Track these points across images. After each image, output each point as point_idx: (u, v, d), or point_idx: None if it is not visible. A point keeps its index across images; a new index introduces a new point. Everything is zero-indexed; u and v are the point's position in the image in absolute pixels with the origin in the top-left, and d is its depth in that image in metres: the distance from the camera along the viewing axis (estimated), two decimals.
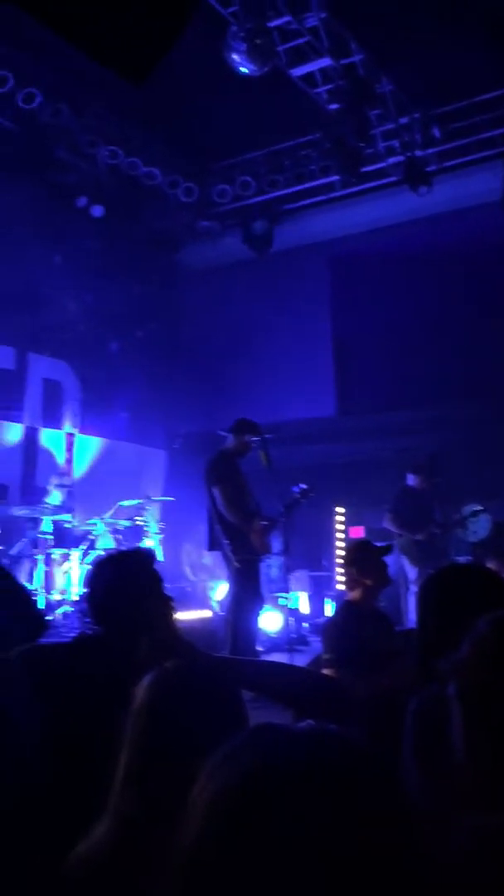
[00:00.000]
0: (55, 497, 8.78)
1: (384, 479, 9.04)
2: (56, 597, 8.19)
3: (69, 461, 8.72)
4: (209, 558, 9.66)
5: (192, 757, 0.93)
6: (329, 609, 9.31)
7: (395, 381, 10.45)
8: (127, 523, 8.96)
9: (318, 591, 9.96)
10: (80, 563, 8.25)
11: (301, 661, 6.44)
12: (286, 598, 8.33)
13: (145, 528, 9.08)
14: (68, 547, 8.27)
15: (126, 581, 2.71)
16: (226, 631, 6.62)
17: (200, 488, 7.01)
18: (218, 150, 10.27)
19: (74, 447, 8.88)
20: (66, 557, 8.26)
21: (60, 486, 8.77)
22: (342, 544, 10.10)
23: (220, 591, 9.26)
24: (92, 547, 8.49)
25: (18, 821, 1.37)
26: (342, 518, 10.27)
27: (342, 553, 8.73)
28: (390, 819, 0.80)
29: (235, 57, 7.11)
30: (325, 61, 8.01)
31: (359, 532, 9.73)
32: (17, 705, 1.44)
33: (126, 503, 9.29)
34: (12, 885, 1.31)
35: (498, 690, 1.17)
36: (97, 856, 1.42)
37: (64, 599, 8.14)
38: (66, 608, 8.02)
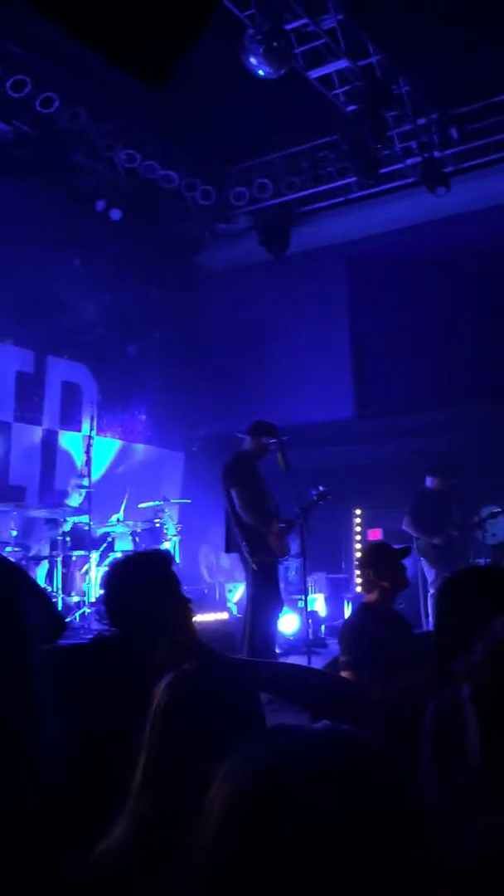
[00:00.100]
0: (74, 499, 8.82)
1: (402, 481, 9.02)
2: (74, 598, 8.22)
3: (87, 463, 8.75)
4: (227, 560, 9.67)
5: (210, 759, 0.93)
6: (347, 611, 9.30)
7: (413, 382, 10.42)
8: (145, 525, 8.98)
9: (336, 594, 9.94)
10: (99, 565, 8.27)
11: (319, 663, 6.43)
12: (304, 601, 8.32)
13: (164, 530, 9.10)
14: (86, 549, 8.30)
15: (143, 583, 2.71)
16: (243, 633, 6.62)
17: (218, 490, 7.02)
18: (235, 152, 10.28)
19: (92, 449, 8.91)
20: (84, 559, 8.29)
21: (79, 487, 8.81)
22: (360, 546, 10.07)
23: (238, 593, 9.27)
24: (110, 549, 8.52)
25: (39, 821, 1.38)
26: (360, 520, 10.24)
27: (360, 555, 8.72)
28: (404, 820, 0.80)
29: (252, 60, 7.12)
30: (342, 63, 8.00)
31: (376, 534, 9.70)
32: (42, 706, 1.45)
33: (144, 505, 9.32)
34: (31, 885, 1.32)
35: None
36: (115, 857, 1.43)
37: (82, 601, 8.16)
38: (85, 610, 8.05)
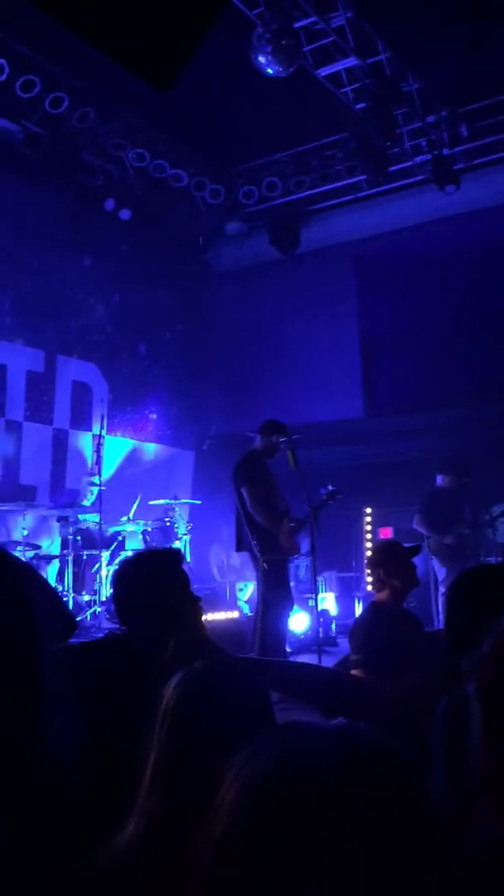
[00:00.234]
0: (88, 498, 8.83)
1: (412, 480, 9.00)
2: (85, 597, 8.24)
3: (98, 463, 8.77)
4: (237, 559, 9.67)
5: (220, 757, 0.93)
6: (358, 610, 9.29)
7: (423, 381, 10.40)
8: (156, 524, 9.00)
9: (347, 592, 9.93)
10: (109, 564, 8.29)
11: (329, 662, 6.44)
12: (314, 599, 8.32)
13: (175, 529, 9.11)
14: (97, 548, 8.32)
15: (152, 581, 2.72)
16: (254, 632, 6.62)
17: (229, 489, 7.02)
18: (244, 151, 10.28)
19: (103, 449, 8.93)
20: (95, 558, 8.31)
21: (90, 486, 8.84)
22: (370, 545, 10.06)
23: (249, 592, 9.27)
24: (121, 548, 8.53)
25: (50, 820, 1.38)
26: (370, 519, 10.23)
27: (370, 554, 8.71)
28: (416, 819, 0.80)
29: (261, 58, 7.11)
30: (351, 61, 7.99)
31: (387, 533, 9.69)
32: (55, 704, 1.46)
33: (154, 502, 9.34)
34: (43, 884, 1.32)
35: None
36: (125, 854, 1.43)
37: (93, 600, 8.19)
38: (96, 609, 8.07)
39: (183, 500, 9.81)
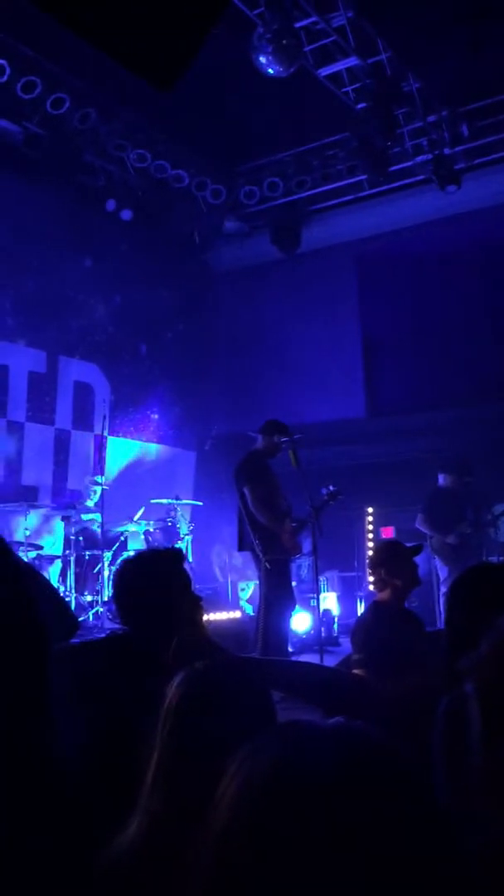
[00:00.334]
0: (92, 498, 8.84)
1: (414, 479, 9.00)
2: (87, 598, 8.25)
3: (100, 463, 8.78)
4: (239, 559, 9.67)
5: (222, 757, 0.93)
6: (360, 609, 9.29)
7: (424, 381, 10.40)
8: (158, 525, 9.00)
9: (349, 592, 9.93)
10: (111, 565, 8.30)
11: (331, 661, 6.43)
12: (316, 599, 8.33)
13: (177, 529, 9.12)
14: (99, 548, 8.32)
15: (153, 580, 2.72)
16: (256, 632, 6.62)
17: (230, 489, 7.03)
18: (245, 151, 10.28)
19: (105, 449, 8.94)
20: (97, 559, 8.32)
21: (93, 486, 8.84)
22: (372, 545, 10.06)
23: (250, 591, 9.28)
24: (123, 548, 8.54)
25: (53, 818, 1.39)
26: (372, 519, 10.23)
27: (371, 554, 8.72)
28: (415, 818, 0.80)
29: (262, 58, 7.12)
30: (352, 60, 7.99)
31: (389, 533, 9.69)
32: (56, 706, 1.46)
33: (156, 501, 9.34)
34: (45, 882, 1.33)
35: None
36: (128, 853, 1.44)
37: (95, 600, 8.19)
38: (98, 609, 8.08)
39: (184, 501, 9.81)
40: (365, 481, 9.52)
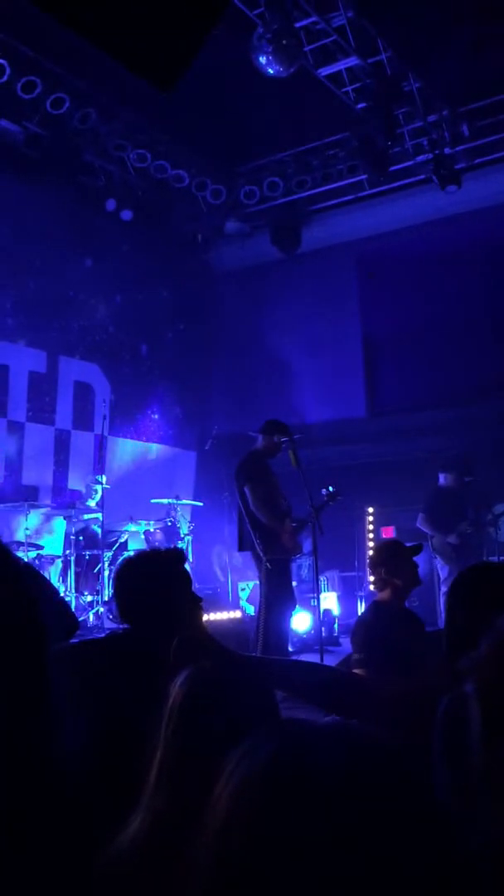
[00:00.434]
0: (93, 498, 8.84)
1: (414, 479, 9.00)
2: (87, 598, 8.25)
3: (100, 463, 8.79)
4: (239, 559, 9.67)
5: (226, 756, 0.93)
6: (360, 609, 9.29)
7: (425, 381, 10.40)
8: (158, 524, 9.00)
9: (350, 592, 9.94)
10: (111, 565, 8.30)
11: (331, 661, 6.44)
12: (316, 599, 8.33)
13: (177, 528, 9.12)
14: (99, 548, 8.33)
15: (155, 580, 2.72)
16: (257, 631, 6.62)
17: (231, 489, 7.03)
18: (245, 151, 10.28)
19: (105, 449, 8.94)
20: (97, 558, 8.32)
21: (93, 486, 8.85)
22: (373, 544, 10.07)
23: (251, 591, 9.27)
24: (123, 548, 8.54)
25: (54, 817, 1.39)
26: (372, 518, 10.23)
27: (371, 553, 8.73)
28: (411, 815, 0.80)
29: (262, 58, 7.12)
30: (352, 60, 8.00)
31: (389, 532, 9.69)
32: (57, 706, 1.46)
33: (156, 501, 9.34)
34: (46, 881, 1.33)
35: None
36: (130, 851, 1.44)
37: (95, 600, 8.19)
38: (98, 609, 8.08)
39: (185, 501, 9.82)
40: (365, 481, 9.52)
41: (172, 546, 8.47)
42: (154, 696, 1.61)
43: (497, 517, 8.86)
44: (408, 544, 4.58)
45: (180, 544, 8.95)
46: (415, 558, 4.44)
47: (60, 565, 8.34)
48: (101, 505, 8.52)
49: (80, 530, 8.47)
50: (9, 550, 1.58)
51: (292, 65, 7.23)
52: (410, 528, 8.66)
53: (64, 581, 8.18)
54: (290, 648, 7.09)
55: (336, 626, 8.98)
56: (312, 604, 8.16)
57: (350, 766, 0.81)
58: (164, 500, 9.32)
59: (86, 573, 8.36)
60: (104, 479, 8.74)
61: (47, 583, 3.80)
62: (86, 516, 8.57)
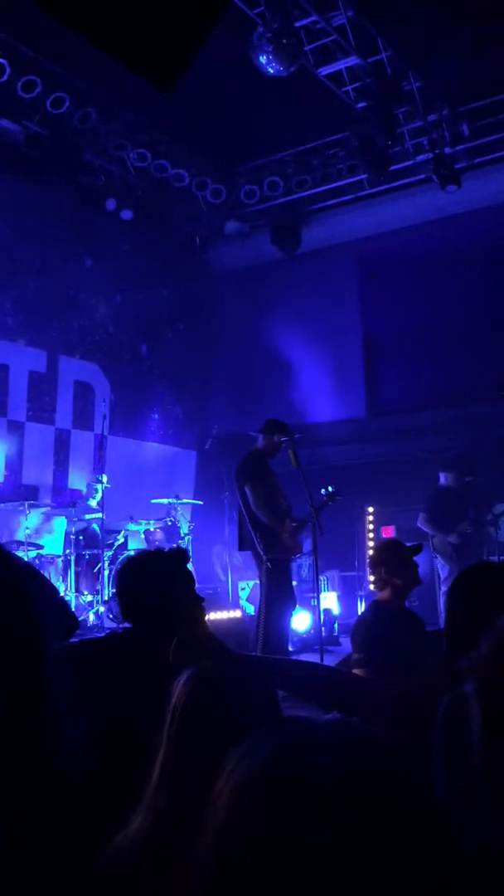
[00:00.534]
0: (94, 497, 8.84)
1: (414, 479, 9.00)
2: (87, 597, 8.25)
3: (100, 463, 8.79)
4: (239, 558, 9.67)
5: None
6: (360, 609, 9.29)
7: (425, 380, 10.40)
8: (158, 524, 9.00)
9: (350, 591, 9.94)
10: (111, 564, 8.30)
11: (331, 661, 6.44)
12: (316, 598, 8.33)
13: (177, 527, 9.12)
14: (99, 547, 8.33)
15: (155, 579, 2.72)
16: (257, 631, 6.63)
17: (231, 489, 7.03)
18: (245, 151, 10.28)
19: (105, 449, 8.94)
20: (97, 558, 8.32)
21: (93, 486, 8.85)
22: (373, 544, 10.06)
23: (251, 591, 9.27)
24: (123, 548, 8.54)
25: (54, 816, 1.39)
26: (372, 518, 10.24)
27: (371, 553, 8.72)
28: (411, 814, 0.80)
29: (262, 58, 7.12)
30: (353, 60, 7.99)
31: (389, 532, 9.69)
32: (57, 706, 1.46)
33: (156, 500, 9.34)
34: (46, 881, 1.33)
35: None
36: (130, 852, 1.44)
37: (95, 600, 8.19)
38: (98, 608, 8.08)
39: (185, 501, 9.81)
40: (365, 481, 9.52)
41: (175, 545, 8.47)
42: (154, 695, 1.61)
43: (497, 517, 8.86)
44: (408, 544, 4.57)
45: (180, 544, 8.94)
46: (415, 558, 4.44)
47: (60, 565, 8.34)
48: (101, 504, 8.52)
49: (81, 530, 8.47)
50: (8, 550, 1.58)
51: (292, 64, 7.23)
52: (410, 527, 8.66)
53: (64, 581, 8.18)
54: (290, 648, 7.09)
55: (336, 625, 8.98)
56: (312, 603, 8.16)
57: (350, 766, 0.81)
58: (165, 500, 9.32)
59: (86, 573, 8.36)
60: (105, 478, 8.73)
61: (47, 582, 3.80)
62: (86, 516, 8.57)
